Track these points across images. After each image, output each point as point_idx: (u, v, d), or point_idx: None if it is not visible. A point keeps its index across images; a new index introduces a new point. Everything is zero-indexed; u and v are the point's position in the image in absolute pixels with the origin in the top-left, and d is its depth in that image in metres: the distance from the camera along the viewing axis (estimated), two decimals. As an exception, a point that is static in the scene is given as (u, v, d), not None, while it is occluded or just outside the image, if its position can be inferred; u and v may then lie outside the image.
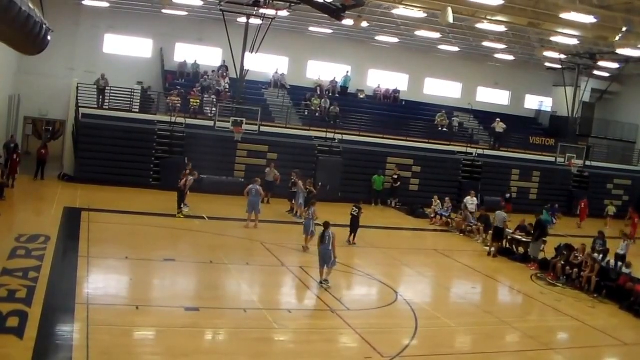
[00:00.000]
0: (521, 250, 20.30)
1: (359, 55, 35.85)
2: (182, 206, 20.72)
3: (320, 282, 14.48)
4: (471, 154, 31.15)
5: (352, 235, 19.48)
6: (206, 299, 12.97)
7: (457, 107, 37.50)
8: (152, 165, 25.70)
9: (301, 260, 16.85)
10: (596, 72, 35.19)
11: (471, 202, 23.91)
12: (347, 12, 19.67)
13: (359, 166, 28.15)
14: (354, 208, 19.63)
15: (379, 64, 36.54)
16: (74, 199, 21.40)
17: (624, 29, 22.55)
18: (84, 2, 28.66)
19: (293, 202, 23.29)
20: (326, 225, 14.78)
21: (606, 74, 35.65)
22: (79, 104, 26.23)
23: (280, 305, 13.45)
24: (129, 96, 27.95)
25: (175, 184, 21.24)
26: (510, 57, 34.47)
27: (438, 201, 25.48)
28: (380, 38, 32.77)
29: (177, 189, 20.80)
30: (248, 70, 28.94)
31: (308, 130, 29.24)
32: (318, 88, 34.51)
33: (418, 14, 24.48)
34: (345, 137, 29.03)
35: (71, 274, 13.13)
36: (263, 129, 26.85)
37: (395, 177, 28.13)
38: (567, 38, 26.02)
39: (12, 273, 12.60)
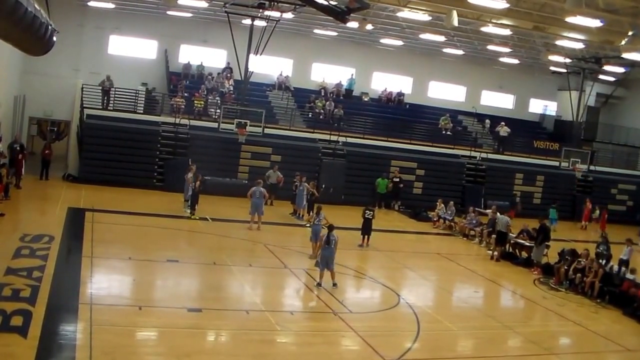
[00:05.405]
0: (524, 254, 20.26)
1: (364, 58, 35.86)
2: (194, 207, 20.82)
3: (319, 284, 14.47)
4: (475, 157, 31.14)
5: (366, 238, 19.50)
6: (209, 300, 12.99)
7: (461, 110, 37.50)
8: (156, 166, 25.77)
9: (304, 262, 16.81)
10: (601, 77, 35.08)
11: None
12: (351, 15, 19.65)
13: (362, 169, 28.15)
14: (368, 211, 19.61)
15: (384, 66, 36.50)
16: (78, 199, 21.47)
17: (630, 32, 22.47)
18: (89, 3, 28.74)
19: (296, 204, 23.34)
20: (331, 228, 14.93)
21: (611, 79, 35.55)
22: (84, 105, 26.34)
23: (283, 307, 13.45)
24: (134, 97, 28.06)
25: (178, 185, 21.30)
26: (515, 61, 34.42)
27: (442, 205, 25.42)
28: (385, 41, 32.76)
29: (193, 192, 20.88)
30: (252, 72, 29.02)
31: (312, 132, 29.27)
32: (322, 90, 34.55)
33: (423, 17, 24.53)
34: (349, 140, 29.03)
35: (75, 274, 13.16)
36: (267, 130, 26.91)
37: (397, 179, 28.10)
38: (572, 42, 25.93)
39: (16, 272, 12.65)
